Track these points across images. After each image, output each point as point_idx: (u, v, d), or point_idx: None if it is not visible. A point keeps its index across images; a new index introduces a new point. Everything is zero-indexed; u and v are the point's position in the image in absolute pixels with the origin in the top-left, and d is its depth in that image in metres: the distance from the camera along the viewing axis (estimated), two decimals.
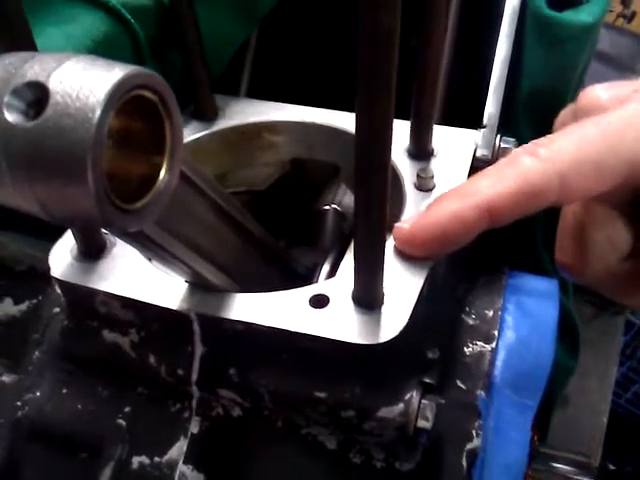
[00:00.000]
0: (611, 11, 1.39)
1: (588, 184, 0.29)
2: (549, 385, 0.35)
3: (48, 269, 0.31)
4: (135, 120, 0.20)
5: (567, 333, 0.55)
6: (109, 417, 0.32)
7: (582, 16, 0.44)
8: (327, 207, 0.43)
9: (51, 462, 0.33)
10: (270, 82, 0.49)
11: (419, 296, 0.29)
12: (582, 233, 0.35)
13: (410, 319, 0.28)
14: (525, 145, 0.30)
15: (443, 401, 0.31)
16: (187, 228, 0.26)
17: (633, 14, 1.45)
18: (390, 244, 0.31)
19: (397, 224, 0.31)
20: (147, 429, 0.32)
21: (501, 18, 0.43)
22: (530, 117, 0.46)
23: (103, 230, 0.31)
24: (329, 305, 0.29)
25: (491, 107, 0.41)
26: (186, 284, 0.30)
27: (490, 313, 0.35)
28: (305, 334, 0.28)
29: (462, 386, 0.33)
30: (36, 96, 0.18)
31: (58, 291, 0.32)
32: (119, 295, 0.30)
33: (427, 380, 0.31)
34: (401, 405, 0.29)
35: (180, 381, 0.31)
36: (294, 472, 0.31)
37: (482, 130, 0.39)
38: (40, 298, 0.36)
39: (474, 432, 0.32)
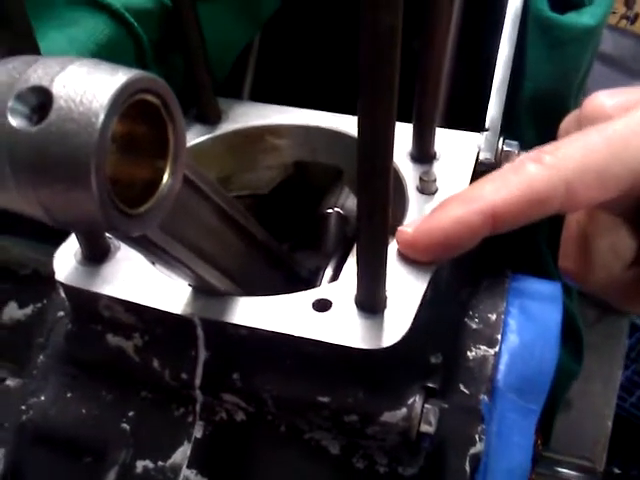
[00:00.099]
0: (614, 12, 1.39)
1: (593, 192, 0.29)
2: (552, 389, 0.35)
3: (52, 273, 0.31)
4: (138, 124, 0.20)
5: (571, 337, 0.55)
6: (113, 421, 0.32)
7: (584, 18, 0.44)
8: (330, 210, 0.43)
9: (55, 466, 0.33)
10: (273, 85, 0.49)
11: (422, 300, 0.29)
12: (586, 241, 0.35)
13: (413, 323, 0.28)
14: (530, 152, 0.30)
15: (446, 405, 0.31)
16: (191, 232, 0.26)
17: (636, 16, 1.45)
18: (393, 248, 0.31)
19: (400, 228, 0.31)
20: (151, 433, 0.32)
21: (503, 20, 0.43)
22: (533, 120, 0.46)
23: (107, 234, 0.31)
24: (332, 309, 0.29)
25: (493, 110, 0.41)
26: (190, 288, 0.30)
27: (493, 317, 0.35)
28: (308, 339, 0.28)
29: (465, 390, 0.33)
30: (40, 101, 0.18)
31: (62, 295, 0.32)
32: (123, 299, 0.30)
33: (430, 385, 0.31)
34: (404, 410, 0.29)
35: (184, 385, 0.31)
36: (297, 477, 0.31)
37: (485, 133, 0.39)
38: (44, 302, 0.36)
39: (477, 437, 0.31)
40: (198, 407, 0.31)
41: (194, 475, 0.31)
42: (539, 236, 0.49)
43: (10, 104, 0.18)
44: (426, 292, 0.30)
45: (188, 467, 0.31)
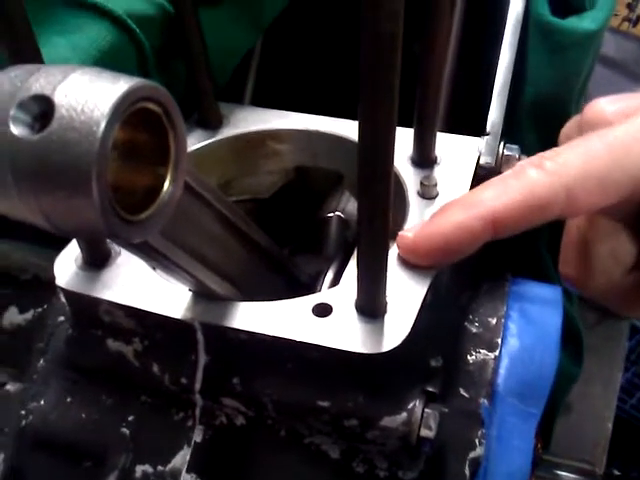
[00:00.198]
0: (616, 15, 1.39)
1: (593, 198, 0.29)
2: (552, 392, 0.35)
3: (53, 278, 0.31)
4: (139, 132, 0.21)
5: (571, 340, 0.55)
6: (113, 426, 0.32)
7: (585, 23, 0.44)
8: (331, 215, 0.43)
9: (55, 471, 0.33)
10: (274, 90, 0.49)
11: (422, 304, 0.29)
12: (586, 246, 0.35)
13: (413, 328, 0.28)
14: (531, 157, 0.30)
15: (446, 410, 0.31)
16: (191, 238, 0.26)
17: (638, 18, 1.45)
18: (393, 252, 0.31)
19: (401, 233, 0.31)
20: (151, 438, 0.32)
21: (504, 25, 0.43)
22: (534, 124, 0.46)
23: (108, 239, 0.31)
24: (332, 314, 0.29)
25: (494, 114, 0.41)
26: (190, 293, 0.30)
27: (493, 321, 0.35)
28: (308, 343, 0.28)
29: (465, 394, 0.33)
30: (41, 109, 0.18)
31: (63, 300, 0.33)
32: (123, 304, 0.30)
33: (430, 389, 0.31)
34: (404, 414, 0.29)
35: (183, 390, 0.31)
36: None
37: (485, 137, 0.39)
38: (45, 307, 0.36)
39: (477, 441, 0.31)
40: (198, 411, 0.32)
41: (194, 479, 0.31)
42: (539, 241, 0.49)
43: (12, 112, 0.18)
44: (426, 296, 0.30)
45: (188, 472, 0.31)
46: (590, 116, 0.33)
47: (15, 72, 0.19)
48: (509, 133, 0.40)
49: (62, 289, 0.31)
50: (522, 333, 0.35)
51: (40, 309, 0.37)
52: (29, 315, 0.37)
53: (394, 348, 0.27)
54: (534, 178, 0.29)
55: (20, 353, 0.36)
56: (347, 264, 0.35)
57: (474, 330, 0.35)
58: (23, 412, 0.33)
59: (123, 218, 0.20)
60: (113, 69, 0.19)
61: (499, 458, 0.32)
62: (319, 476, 0.30)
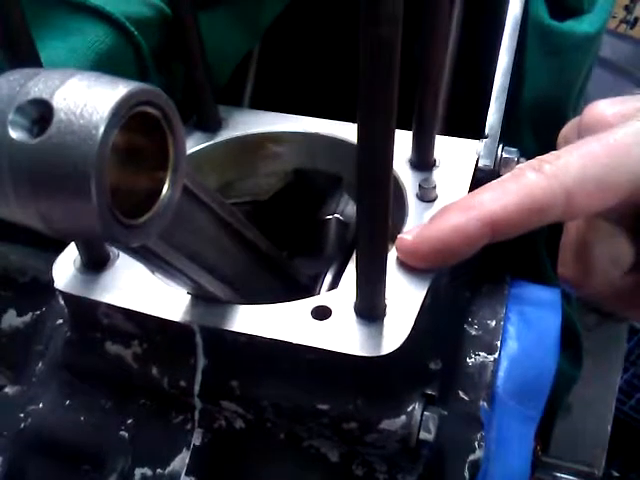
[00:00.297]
0: (614, 17, 1.40)
1: (593, 201, 0.29)
2: (552, 395, 0.35)
3: (51, 281, 0.31)
4: (138, 136, 0.21)
5: (570, 342, 0.55)
6: (112, 429, 0.32)
7: (584, 26, 0.44)
8: (329, 217, 0.43)
9: (54, 474, 0.33)
10: (273, 93, 0.49)
11: (421, 307, 0.29)
12: (585, 248, 0.35)
13: (412, 330, 0.28)
14: (530, 160, 0.30)
15: (445, 412, 0.31)
16: (190, 241, 0.26)
17: (636, 20, 1.45)
18: (392, 255, 0.31)
19: (400, 235, 0.31)
20: (149, 441, 0.32)
21: (503, 28, 0.43)
22: (532, 127, 0.46)
23: None
24: (331, 317, 0.29)
25: (493, 117, 0.41)
26: (189, 296, 0.30)
27: (492, 323, 0.35)
28: (307, 346, 0.28)
29: (464, 397, 0.33)
30: (40, 113, 0.18)
31: (61, 303, 0.32)
32: (122, 307, 0.30)
33: (429, 392, 0.31)
34: (403, 417, 0.29)
35: (182, 393, 0.31)
36: None
37: (484, 140, 0.39)
38: (43, 310, 0.36)
39: (476, 443, 0.31)
40: (197, 415, 0.31)
41: None
42: (538, 242, 0.49)
43: (10, 117, 0.18)
44: (425, 299, 0.30)
45: (187, 475, 0.31)
46: (589, 118, 0.33)
47: (14, 76, 0.19)
48: (507, 136, 0.41)
49: (61, 292, 0.31)
50: (521, 336, 0.35)
51: (39, 312, 0.37)
52: (28, 318, 0.37)
53: (393, 351, 0.27)
54: (533, 181, 0.29)
55: (19, 356, 0.36)
56: (346, 267, 0.35)
57: (473, 333, 0.35)
58: (22, 415, 0.33)
59: (122, 222, 0.20)
60: (111, 72, 0.19)
61: (498, 460, 0.32)
62: (318, 479, 0.30)
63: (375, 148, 0.22)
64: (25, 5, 0.25)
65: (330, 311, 0.29)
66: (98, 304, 0.30)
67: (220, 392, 0.30)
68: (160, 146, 0.21)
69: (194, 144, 0.40)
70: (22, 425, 0.33)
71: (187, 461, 0.31)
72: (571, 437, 0.73)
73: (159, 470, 0.31)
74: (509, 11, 0.44)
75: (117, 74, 0.19)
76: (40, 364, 0.35)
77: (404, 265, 0.31)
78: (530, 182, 0.29)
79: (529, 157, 0.32)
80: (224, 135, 0.41)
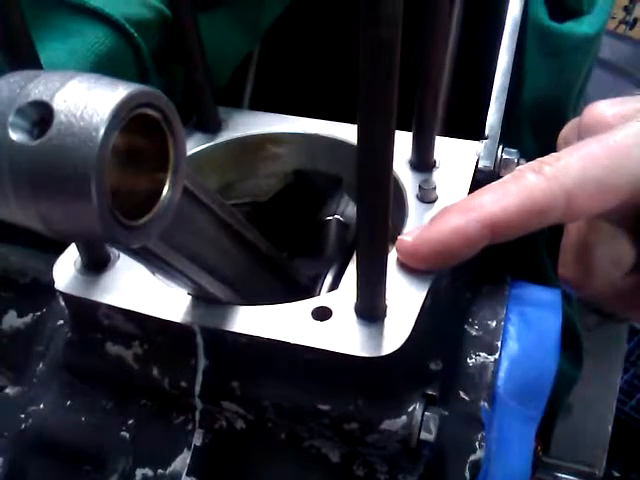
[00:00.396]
0: (613, 17, 1.40)
1: (593, 202, 0.29)
2: (552, 395, 0.35)
3: (52, 282, 0.31)
4: (138, 137, 0.21)
5: (570, 343, 0.55)
6: (112, 429, 0.32)
7: (583, 27, 0.44)
8: (330, 218, 0.44)
9: (55, 474, 0.33)
10: (273, 94, 0.49)
11: (422, 308, 0.29)
12: (586, 249, 0.36)
13: (413, 331, 0.28)
14: (530, 162, 0.30)
15: (446, 413, 0.31)
16: (191, 242, 0.26)
17: (635, 21, 1.45)
18: (393, 256, 0.31)
19: (400, 237, 0.31)
20: (151, 441, 0.32)
21: (503, 29, 0.43)
22: (532, 128, 0.46)
23: None
24: (332, 318, 0.29)
25: (493, 118, 0.41)
26: (189, 297, 0.30)
27: (493, 324, 0.35)
28: (308, 347, 0.28)
29: (465, 397, 0.33)
30: (40, 115, 0.18)
31: (62, 304, 0.33)
32: (122, 308, 0.30)
33: (430, 392, 0.31)
34: (404, 418, 0.29)
35: (183, 393, 0.31)
36: None
37: (484, 141, 0.39)
38: (44, 311, 0.37)
39: (477, 444, 0.31)
40: (198, 415, 0.31)
41: None
42: (539, 243, 0.49)
43: (11, 119, 0.18)
44: (426, 300, 0.30)
45: (188, 475, 0.31)
46: (589, 119, 0.33)
47: (14, 78, 0.19)
48: (507, 137, 0.41)
49: (61, 293, 0.31)
50: (522, 336, 0.35)
51: (39, 313, 0.37)
52: (28, 319, 0.37)
53: (394, 351, 0.27)
54: (533, 183, 0.29)
55: (19, 357, 0.36)
56: (346, 267, 0.35)
57: (474, 333, 0.35)
58: (22, 416, 0.33)
59: (122, 223, 0.20)
60: (111, 74, 0.19)
61: (499, 461, 0.32)
62: (319, 479, 0.30)
63: (375, 149, 0.22)
64: (25, 7, 0.25)
65: (330, 312, 0.29)
66: (99, 305, 0.31)
67: (221, 392, 0.30)
68: (160, 148, 0.21)
69: (194, 145, 0.40)
70: (23, 426, 0.33)
71: (188, 461, 0.31)
72: (572, 437, 0.73)
73: (160, 470, 0.31)
74: (509, 12, 0.44)
75: (117, 76, 0.19)
76: (41, 365, 0.35)
77: (404, 266, 0.31)
78: (530, 184, 0.29)
79: (529, 158, 0.32)
80: (224, 136, 0.41)
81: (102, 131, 0.18)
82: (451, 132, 0.39)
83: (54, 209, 0.18)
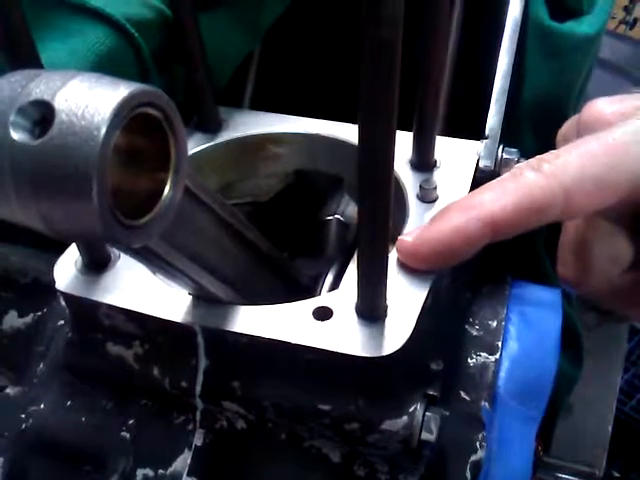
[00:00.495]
0: (613, 17, 1.40)
1: (591, 200, 0.29)
2: (553, 395, 0.35)
3: (52, 282, 0.31)
4: (139, 137, 0.21)
5: (570, 342, 0.55)
6: (113, 429, 0.32)
7: (583, 27, 0.44)
8: (330, 218, 0.44)
9: (55, 474, 0.33)
10: (273, 94, 0.49)
11: (422, 308, 0.29)
12: (584, 247, 0.36)
13: (413, 331, 0.28)
14: (529, 160, 0.30)
15: (447, 413, 0.31)
16: (192, 242, 0.26)
17: (635, 21, 1.45)
18: (393, 256, 0.31)
19: (400, 237, 0.31)
20: (151, 441, 0.32)
21: (503, 29, 0.43)
22: (532, 127, 0.46)
23: None
24: (333, 317, 0.29)
25: (493, 118, 0.41)
26: (190, 297, 0.30)
27: (494, 324, 0.35)
28: (308, 347, 0.28)
29: (466, 397, 0.33)
30: (42, 115, 0.18)
31: (62, 304, 0.33)
32: (123, 308, 0.30)
33: (431, 392, 0.31)
34: (405, 418, 0.29)
35: (184, 393, 0.31)
36: None
37: (484, 141, 0.39)
38: (44, 311, 0.36)
39: (478, 444, 0.32)
40: (198, 415, 0.31)
41: None
42: (537, 241, 0.49)
43: (12, 118, 0.18)
44: (426, 300, 0.30)
45: (188, 475, 0.31)
46: (588, 116, 0.33)
47: (15, 77, 0.19)
48: (508, 137, 0.41)
49: (62, 293, 0.31)
50: (522, 336, 0.35)
51: (40, 313, 0.37)
52: (29, 319, 0.37)
53: (395, 352, 0.27)
54: (532, 180, 0.29)
55: (20, 357, 0.36)
56: (347, 267, 0.35)
57: (474, 333, 0.35)
58: (23, 416, 0.33)
59: (123, 223, 0.20)
60: (112, 73, 0.19)
61: (500, 461, 0.32)
62: None
63: (376, 149, 0.22)
64: (26, 6, 0.25)
65: (331, 312, 0.29)
66: (99, 305, 0.30)
67: (221, 393, 0.30)
68: (161, 147, 0.21)
69: (195, 145, 0.40)
70: (23, 426, 0.33)
71: (189, 461, 0.31)
72: (572, 437, 0.73)
73: (161, 471, 0.31)
74: (509, 12, 0.44)
75: (118, 76, 0.19)
76: (41, 365, 0.35)
77: (405, 266, 0.31)
78: (529, 182, 0.29)
79: (529, 158, 0.32)
80: (225, 136, 0.41)
81: (103, 130, 0.18)
82: (452, 132, 0.39)
83: (55, 209, 0.18)
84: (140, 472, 0.32)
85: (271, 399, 0.30)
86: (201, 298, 0.30)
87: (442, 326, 0.34)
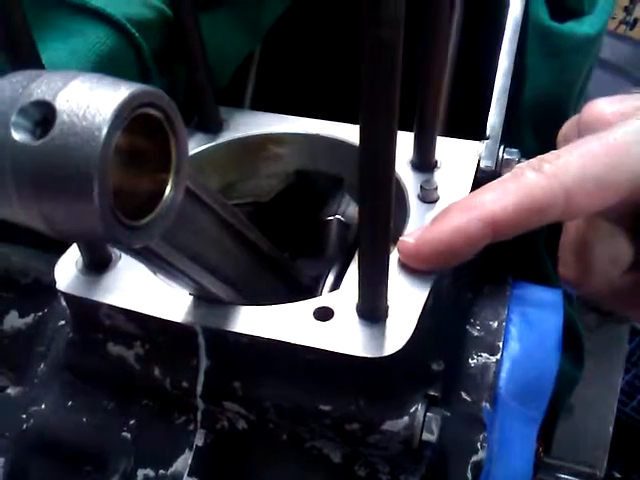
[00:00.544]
0: (613, 18, 1.40)
1: (592, 200, 0.29)
2: (554, 396, 0.35)
3: (53, 282, 0.31)
4: (140, 137, 0.21)
5: (571, 343, 0.55)
6: (114, 430, 0.32)
7: (584, 27, 0.44)
8: (331, 218, 0.44)
9: (56, 475, 0.33)
10: (274, 94, 0.49)
11: (423, 308, 0.29)
12: (584, 247, 0.36)
13: (414, 332, 0.28)
14: (530, 160, 0.30)
15: (448, 414, 0.31)
16: (193, 242, 0.26)
17: (635, 21, 1.45)
18: (394, 256, 0.31)
19: (402, 238, 0.31)
20: (152, 442, 0.32)
21: (504, 29, 0.43)
22: (533, 128, 0.46)
23: None
24: (334, 318, 0.29)
25: (494, 118, 0.41)
26: (191, 297, 0.30)
27: (495, 324, 0.35)
28: (309, 347, 0.28)
29: (467, 398, 0.33)
30: (43, 115, 0.18)
31: (63, 304, 0.33)
32: (124, 308, 0.30)
33: (432, 393, 0.31)
34: (406, 418, 0.29)
35: (185, 394, 0.31)
36: None
37: (485, 141, 0.39)
38: (45, 311, 0.37)
39: (479, 444, 0.31)
40: (199, 415, 0.31)
41: None
42: (538, 242, 0.49)
43: (13, 118, 0.18)
44: (427, 300, 0.30)
45: (189, 475, 0.31)
46: (588, 116, 0.33)
47: (16, 78, 0.19)
48: (508, 137, 0.41)
49: (63, 293, 0.31)
50: (523, 337, 0.35)
51: (41, 313, 0.37)
52: (30, 319, 0.37)
53: (396, 352, 0.27)
54: (533, 181, 0.29)
55: (21, 357, 0.36)
56: (347, 267, 0.35)
57: (475, 334, 0.35)
58: (24, 416, 0.33)
59: (124, 223, 0.20)
60: (113, 74, 0.19)
61: (501, 461, 0.32)
62: None
63: (377, 150, 0.22)
64: (26, 7, 0.25)
65: (332, 312, 0.29)
66: (100, 305, 0.30)
67: (222, 393, 0.30)
68: (162, 148, 0.21)
69: (195, 145, 0.40)
70: (24, 426, 0.33)
71: (190, 462, 0.31)
72: (573, 438, 0.73)
73: (161, 471, 0.31)
74: (510, 12, 0.44)
75: (118, 76, 0.19)
76: (42, 365, 0.35)
77: (406, 266, 0.31)
78: (530, 182, 0.29)
79: (530, 158, 0.32)
80: (225, 136, 0.41)
81: (105, 131, 0.18)
82: (452, 132, 0.39)
83: (56, 209, 0.18)
84: (141, 472, 0.32)
85: (272, 399, 0.30)
86: (202, 298, 0.30)
87: (443, 326, 0.34)
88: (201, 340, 0.30)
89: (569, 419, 0.74)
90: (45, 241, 0.24)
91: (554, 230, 0.38)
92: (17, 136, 0.18)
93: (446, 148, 0.38)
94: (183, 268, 0.26)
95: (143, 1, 0.37)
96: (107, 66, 0.35)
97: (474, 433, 0.32)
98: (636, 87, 0.37)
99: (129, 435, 0.32)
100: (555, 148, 0.34)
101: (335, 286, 0.36)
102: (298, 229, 0.44)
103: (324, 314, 0.29)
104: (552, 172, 0.29)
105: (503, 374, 0.34)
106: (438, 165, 0.37)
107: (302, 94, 0.50)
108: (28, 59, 0.26)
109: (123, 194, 0.20)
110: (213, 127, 0.41)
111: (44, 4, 0.35)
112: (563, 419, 0.63)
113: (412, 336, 0.28)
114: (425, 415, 0.29)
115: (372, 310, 0.28)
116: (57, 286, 0.31)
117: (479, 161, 0.38)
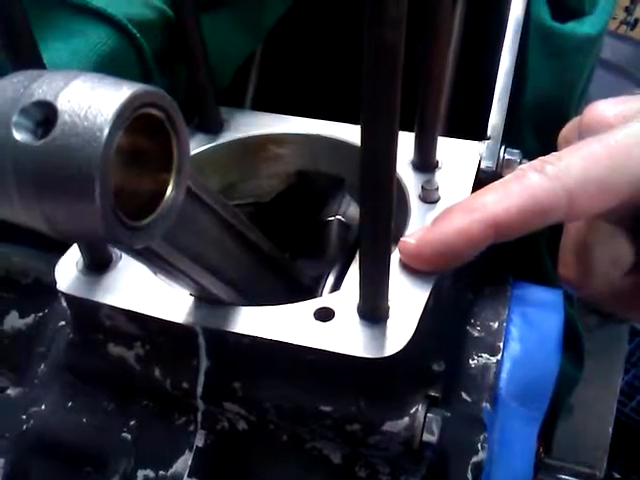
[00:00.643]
0: (614, 18, 1.40)
1: (594, 202, 0.29)
2: (554, 396, 0.35)
3: (54, 282, 0.31)
4: (142, 138, 0.21)
5: (572, 343, 0.55)
6: (114, 430, 0.32)
7: (585, 27, 0.44)
8: (332, 218, 0.43)
9: (56, 476, 0.33)
10: (275, 94, 0.49)
11: (424, 309, 0.29)
12: (585, 249, 0.36)
13: (415, 332, 0.28)
14: (532, 162, 0.30)
15: (449, 414, 0.31)
16: (194, 243, 0.26)
17: (636, 21, 1.45)
18: (395, 257, 0.31)
19: (403, 239, 0.31)
20: (152, 442, 0.32)
21: (505, 29, 0.43)
22: (534, 128, 0.46)
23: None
24: (334, 318, 0.29)
25: (495, 118, 0.41)
26: (191, 297, 0.30)
27: (495, 325, 0.35)
28: (310, 348, 0.28)
29: (467, 399, 0.33)
30: (44, 115, 0.18)
31: (64, 304, 0.32)
32: (124, 309, 0.30)
33: (432, 393, 0.31)
34: (406, 419, 0.29)
35: (185, 394, 0.31)
36: None
37: (486, 142, 0.39)
38: (46, 311, 0.36)
39: (479, 445, 0.31)
40: (199, 416, 0.31)
41: None
42: (539, 243, 0.49)
43: (15, 119, 0.18)
44: (428, 301, 0.30)
45: (189, 476, 0.31)
46: (589, 118, 0.33)
47: (17, 78, 0.19)
48: (510, 137, 0.40)
49: (63, 293, 0.31)
50: (524, 337, 0.35)
51: (41, 313, 0.37)
52: (30, 319, 0.37)
53: (396, 353, 0.27)
54: (535, 182, 0.29)
55: (21, 357, 0.36)
56: (348, 268, 0.35)
57: (476, 334, 0.35)
58: (24, 417, 0.33)
59: (125, 224, 0.20)
60: (114, 74, 0.19)
61: (501, 462, 0.32)
62: None
63: (378, 150, 0.22)
64: (27, 6, 0.25)
65: (333, 312, 0.29)
66: (101, 306, 0.30)
67: (223, 394, 0.30)
68: (164, 148, 0.21)
69: (196, 146, 0.40)
70: (24, 427, 0.33)
71: (190, 463, 0.31)
72: (572, 439, 0.73)
73: (161, 472, 0.31)
74: (511, 13, 0.44)
75: (120, 76, 0.19)
76: (42, 366, 0.35)
77: (407, 267, 0.31)
78: (533, 183, 0.29)
79: (531, 158, 0.32)
80: (226, 137, 0.41)
81: (106, 131, 0.18)
82: (453, 132, 0.39)
83: (58, 209, 0.18)
84: (141, 473, 0.32)
85: (272, 400, 0.30)
86: (202, 299, 0.30)
87: (444, 327, 0.34)
88: (201, 341, 0.30)
89: (569, 419, 0.73)
90: (46, 241, 0.24)
91: (555, 231, 0.38)
92: (18, 136, 0.18)
93: (447, 148, 0.38)
94: (184, 269, 0.26)
95: (144, 1, 0.37)
96: (108, 66, 0.35)
97: (474, 434, 0.32)
98: (638, 89, 0.37)
99: (129, 436, 0.32)
100: (556, 148, 0.34)
101: (336, 286, 0.36)
102: (299, 229, 0.44)
103: (325, 314, 0.29)
104: (554, 174, 0.29)
105: (503, 374, 0.34)
106: (439, 165, 0.37)
107: (303, 94, 0.50)
108: (29, 59, 0.26)
109: (124, 194, 0.20)
110: (214, 127, 0.41)
111: (45, 4, 0.35)
112: (563, 419, 0.63)
113: (413, 337, 0.28)
114: (425, 416, 0.29)
115: (373, 310, 0.28)
116: (57, 286, 0.31)
117: (480, 161, 0.38)
